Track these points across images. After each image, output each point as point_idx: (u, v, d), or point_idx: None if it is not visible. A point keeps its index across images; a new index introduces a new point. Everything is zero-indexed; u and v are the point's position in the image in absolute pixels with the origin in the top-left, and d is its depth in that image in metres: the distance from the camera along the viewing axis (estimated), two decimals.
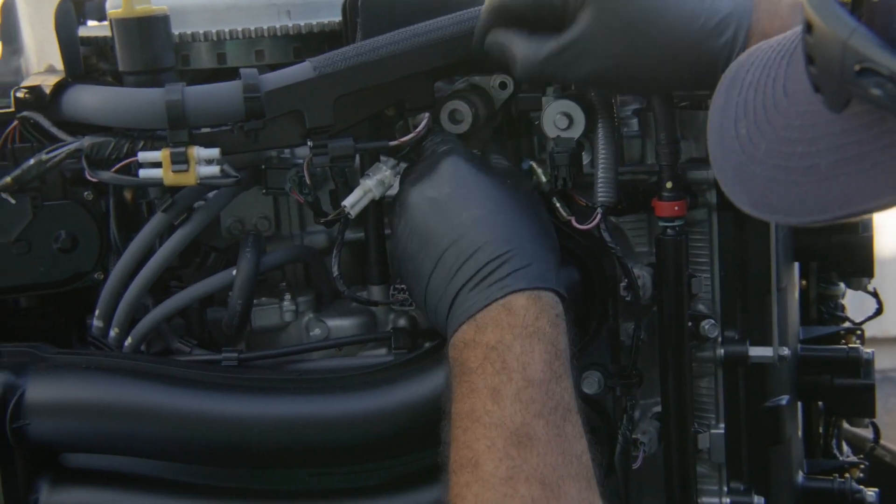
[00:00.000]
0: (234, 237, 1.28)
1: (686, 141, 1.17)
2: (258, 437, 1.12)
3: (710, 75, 0.96)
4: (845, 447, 1.56)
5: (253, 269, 1.18)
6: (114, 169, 1.11)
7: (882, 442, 1.58)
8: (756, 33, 0.96)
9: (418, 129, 1.14)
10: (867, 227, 1.34)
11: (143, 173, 1.10)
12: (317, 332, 1.27)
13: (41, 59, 1.27)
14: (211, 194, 1.20)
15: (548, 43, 1.02)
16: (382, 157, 1.16)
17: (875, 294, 1.47)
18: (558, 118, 1.14)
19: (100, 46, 1.33)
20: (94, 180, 1.12)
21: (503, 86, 1.19)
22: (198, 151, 1.08)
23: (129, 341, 1.21)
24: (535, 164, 1.19)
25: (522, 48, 1.04)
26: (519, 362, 0.94)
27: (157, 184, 1.11)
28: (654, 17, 0.97)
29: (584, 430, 0.96)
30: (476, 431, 0.93)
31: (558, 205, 1.17)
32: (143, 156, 1.10)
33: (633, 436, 1.20)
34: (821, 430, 1.48)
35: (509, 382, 0.94)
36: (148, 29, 1.14)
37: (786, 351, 1.22)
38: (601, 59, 1.00)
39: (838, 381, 1.34)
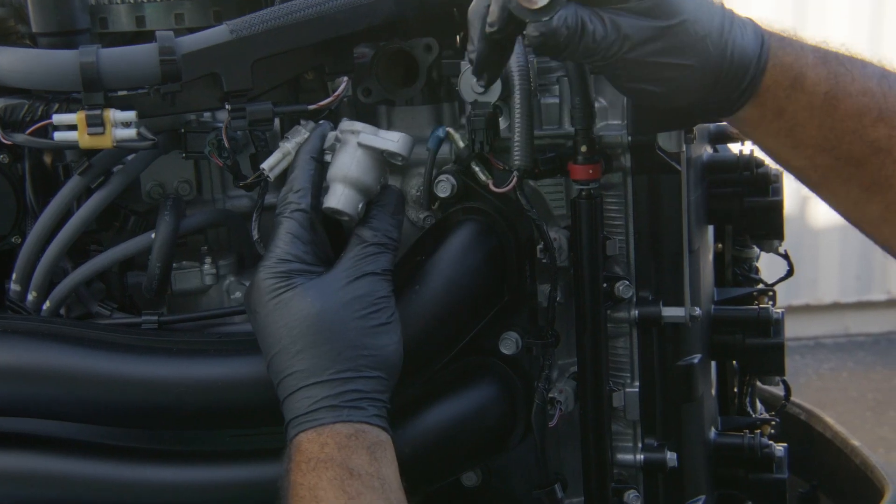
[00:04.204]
0: (155, 201, 1.27)
1: (601, 105, 1.20)
2: (178, 398, 1.12)
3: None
4: (759, 406, 1.60)
5: (171, 232, 1.18)
6: (28, 131, 1.10)
7: (794, 399, 1.63)
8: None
9: (337, 93, 1.15)
10: (777, 192, 1.37)
11: (59, 136, 1.09)
12: (238, 295, 1.27)
13: None
14: (129, 158, 1.20)
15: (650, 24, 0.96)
16: (302, 121, 1.16)
17: (786, 256, 1.50)
18: (475, 83, 1.16)
19: (17, 8, 1.31)
20: (8, 143, 1.11)
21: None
22: (114, 114, 1.08)
23: (47, 305, 1.20)
24: (451, 131, 1.21)
25: (630, 26, 0.96)
26: (311, 495, 0.98)
27: (73, 146, 1.10)
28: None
29: None
30: None
31: (477, 168, 1.19)
32: (58, 118, 1.09)
33: (550, 395, 1.22)
34: (735, 389, 1.51)
35: None
36: None
37: (697, 311, 1.25)
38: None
39: (749, 340, 1.37)
